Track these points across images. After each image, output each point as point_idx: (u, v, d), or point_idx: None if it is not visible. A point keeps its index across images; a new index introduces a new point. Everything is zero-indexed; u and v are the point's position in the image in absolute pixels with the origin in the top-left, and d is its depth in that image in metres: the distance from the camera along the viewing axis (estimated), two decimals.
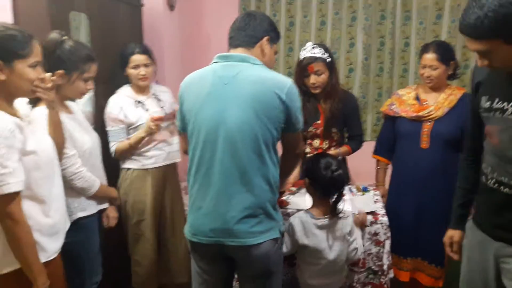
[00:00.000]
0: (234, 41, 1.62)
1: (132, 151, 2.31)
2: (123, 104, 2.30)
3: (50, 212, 1.45)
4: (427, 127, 2.23)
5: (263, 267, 1.61)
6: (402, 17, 3.51)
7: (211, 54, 3.81)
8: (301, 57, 2.29)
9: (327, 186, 1.81)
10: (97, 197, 1.91)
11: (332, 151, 2.33)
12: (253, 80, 1.52)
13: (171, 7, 3.09)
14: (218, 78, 1.56)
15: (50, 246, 1.46)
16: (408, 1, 3.48)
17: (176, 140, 2.45)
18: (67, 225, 1.59)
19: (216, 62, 1.62)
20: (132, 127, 2.31)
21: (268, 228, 1.58)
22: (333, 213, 1.84)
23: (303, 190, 2.30)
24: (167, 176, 2.46)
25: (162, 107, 2.40)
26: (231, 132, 1.51)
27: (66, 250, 1.57)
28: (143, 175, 2.35)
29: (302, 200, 2.18)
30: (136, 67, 2.31)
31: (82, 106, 2.11)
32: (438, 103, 2.22)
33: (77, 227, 1.75)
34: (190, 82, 1.64)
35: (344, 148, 2.37)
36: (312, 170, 1.85)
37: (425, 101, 2.27)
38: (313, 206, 1.89)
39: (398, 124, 2.33)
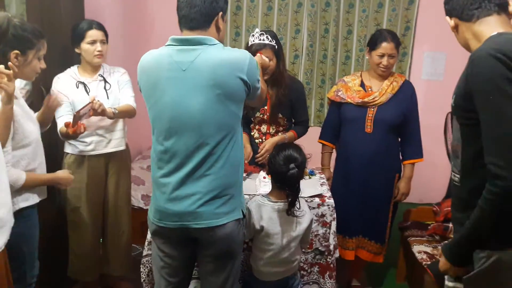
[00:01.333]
0: (188, 22, 1.52)
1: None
2: (66, 83, 2.22)
3: None
4: (371, 113, 2.33)
5: (226, 248, 1.63)
6: (346, 4, 3.61)
7: (155, 33, 3.74)
8: (250, 43, 2.28)
9: (281, 180, 1.84)
10: (37, 188, 1.80)
11: (277, 137, 2.37)
12: (212, 63, 1.49)
13: None
14: (176, 63, 1.51)
15: None
16: None
17: (120, 127, 2.36)
18: (12, 220, 1.49)
19: (170, 45, 1.55)
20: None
21: (232, 208, 1.60)
22: (289, 211, 1.84)
23: (253, 175, 2.32)
24: (109, 164, 2.37)
25: (106, 89, 2.30)
26: (195, 119, 1.49)
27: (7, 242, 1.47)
28: (79, 161, 2.28)
29: (253, 185, 2.19)
30: (93, 42, 2.21)
31: (19, 83, 1.96)
32: (382, 90, 2.32)
33: (19, 217, 1.64)
34: (146, 66, 1.58)
35: (290, 133, 2.42)
36: (272, 159, 1.86)
37: (369, 88, 2.37)
38: (271, 191, 1.91)
39: (344, 110, 2.41)
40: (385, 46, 2.26)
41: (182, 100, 1.50)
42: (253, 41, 2.26)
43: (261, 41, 2.23)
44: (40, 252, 1.84)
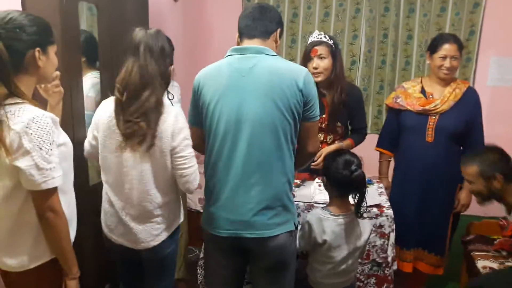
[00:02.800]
0: (250, 31, 1.60)
1: None
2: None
3: (70, 202, 1.46)
4: (432, 121, 2.24)
5: (278, 259, 1.62)
6: (406, 9, 3.52)
7: (214, 46, 3.87)
8: (309, 42, 2.30)
9: (346, 185, 1.78)
10: None
11: (334, 145, 2.32)
12: (270, 71, 1.53)
13: None
14: (235, 70, 1.55)
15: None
16: None
17: None
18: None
19: (231, 55, 1.61)
20: None
21: (285, 220, 1.60)
22: (356, 213, 1.80)
23: (308, 183, 2.32)
24: None
25: (170, 100, 2.40)
26: (251, 124, 1.52)
27: None
28: None
29: (307, 192, 2.19)
30: None
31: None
32: (444, 97, 2.23)
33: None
34: (206, 76, 1.63)
35: (347, 142, 2.35)
36: (330, 168, 1.81)
37: (430, 95, 2.29)
38: (331, 203, 1.87)
39: (403, 117, 2.34)
40: (447, 48, 2.18)
41: (240, 106, 1.53)
42: (311, 39, 2.29)
43: (318, 39, 2.25)
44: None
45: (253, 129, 1.52)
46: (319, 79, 2.23)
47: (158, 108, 1.54)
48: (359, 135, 2.39)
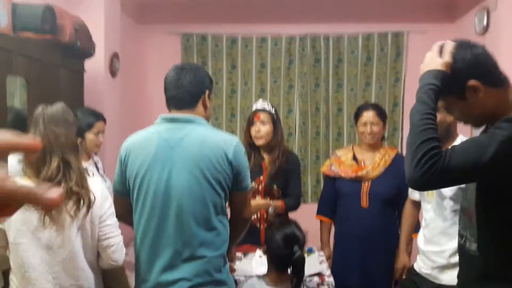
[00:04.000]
0: (176, 102, 1.56)
1: None
2: None
3: None
4: (365, 187, 2.34)
5: None
6: (334, 84, 3.79)
7: (154, 119, 3.86)
8: (253, 110, 2.46)
9: (285, 263, 1.73)
10: None
11: (263, 201, 2.30)
12: (200, 141, 1.51)
13: (113, 73, 3.11)
14: (164, 141, 1.52)
15: None
16: (339, 70, 3.79)
17: None
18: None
19: (160, 123, 1.59)
20: None
21: None
22: None
23: (250, 255, 2.26)
24: None
25: (101, 174, 2.33)
26: (180, 197, 1.47)
27: None
28: None
29: (249, 266, 2.13)
30: (97, 133, 2.26)
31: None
32: (375, 163, 2.35)
33: None
34: (134, 144, 1.58)
35: (278, 203, 2.34)
36: (272, 241, 1.75)
37: (362, 161, 2.40)
38: (268, 273, 1.80)
39: (339, 184, 2.42)
40: (366, 115, 2.35)
41: (168, 179, 1.48)
42: (255, 107, 2.46)
43: (262, 107, 2.42)
44: None
45: (182, 203, 1.47)
46: (260, 142, 2.38)
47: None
48: (292, 200, 2.40)
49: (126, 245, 1.60)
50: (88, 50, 2.62)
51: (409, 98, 3.78)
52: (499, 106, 1.23)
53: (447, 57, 1.23)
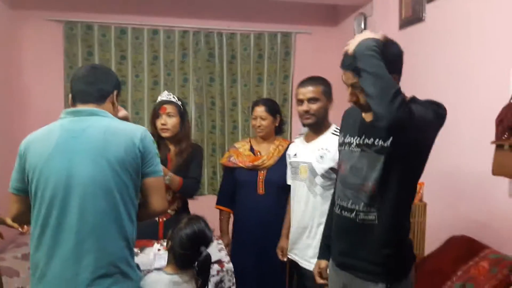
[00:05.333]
0: (84, 96, 1.53)
1: None
2: None
3: None
4: (262, 175, 2.46)
5: None
6: (229, 79, 3.87)
7: (32, 113, 3.52)
8: (157, 101, 2.41)
9: (188, 263, 1.70)
10: None
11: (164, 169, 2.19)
12: (105, 130, 1.46)
13: None
14: (66, 131, 1.46)
15: None
16: (233, 66, 3.88)
17: None
18: None
19: (63, 118, 1.52)
20: None
21: None
22: None
23: (148, 249, 2.20)
24: None
25: None
26: (83, 187, 1.40)
27: None
28: None
29: (148, 261, 2.07)
30: None
31: None
32: (270, 153, 2.49)
33: None
34: (33, 140, 1.49)
35: (175, 177, 2.30)
36: (175, 238, 1.70)
37: (258, 152, 2.52)
38: (168, 265, 1.77)
39: (237, 174, 2.52)
40: (256, 109, 2.49)
41: (69, 167, 1.41)
42: (160, 98, 2.41)
43: (167, 98, 2.38)
44: None
45: (85, 192, 1.40)
46: (166, 134, 2.35)
47: None
48: (190, 182, 2.39)
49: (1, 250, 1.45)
50: None
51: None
52: None
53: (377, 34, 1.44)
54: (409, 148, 1.44)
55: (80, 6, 3.59)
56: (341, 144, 1.69)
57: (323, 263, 1.80)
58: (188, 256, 1.69)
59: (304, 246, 2.17)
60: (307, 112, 2.13)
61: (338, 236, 1.65)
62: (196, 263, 1.69)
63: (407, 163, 1.47)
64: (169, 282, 1.71)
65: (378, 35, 1.42)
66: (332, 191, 1.86)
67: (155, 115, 2.38)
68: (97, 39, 3.62)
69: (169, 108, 2.35)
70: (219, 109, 3.84)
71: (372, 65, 1.34)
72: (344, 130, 1.70)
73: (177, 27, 3.74)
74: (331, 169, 2.05)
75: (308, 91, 2.12)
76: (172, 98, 2.41)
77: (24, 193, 1.50)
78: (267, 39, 3.90)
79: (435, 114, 1.43)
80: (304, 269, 2.16)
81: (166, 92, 2.49)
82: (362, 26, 3.32)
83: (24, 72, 3.53)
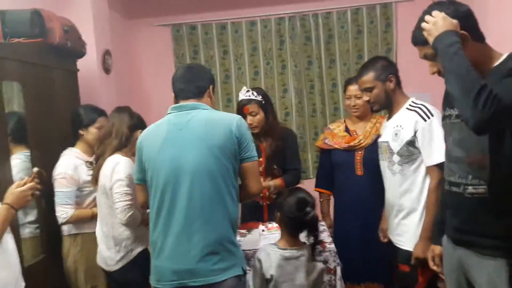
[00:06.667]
0: (185, 94, 1.74)
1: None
2: (76, 164, 2.32)
3: None
4: (359, 156, 2.40)
5: None
6: (327, 61, 3.81)
7: (153, 113, 3.93)
8: (239, 99, 2.46)
9: (298, 225, 1.84)
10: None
11: (264, 183, 2.33)
12: (205, 122, 1.66)
13: (107, 70, 3.17)
14: (173, 125, 1.68)
15: None
16: (331, 46, 3.80)
17: None
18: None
19: (170, 113, 1.74)
20: (84, 189, 2.31)
21: (231, 265, 1.62)
22: (313, 257, 1.86)
23: (254, 230, 2.34)
24: None
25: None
26: (190, 173, 1.60)
27: None
28: (92, 239, 2.28)
29: (254, 241, 2.20)
30: (100, 128, 2.37)
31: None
32: (366, 132, 2.41)
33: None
34: (147, 134, 1.76)
35: (277, 181, 2.41)
36: (284, 206, 1.85)
37: (354, 132, 2.46)
38: (280, 238, 1.91)
39: (334, 156, 2.49)
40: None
41: (178, 156, 1.61)
42: (240, 97, 2.45)
43: (247, 97, 2.39)
44: None
45: (192, 178, 1.60)
46: (255, 131, 2.39)
47: None
48: (291, 176, 2.47)
49: None
50: (79, 50, 2.69)
51: (403, 66, 3.77)
52: (481, 60, 1.39)
53: (451, 19, 1.36)
54: None
55: (183, 8, 3.86)
56: (443, 119, 1.61)
57: (437, 249, 1.72)
58: (298, 219, 1.81)
59: (393, 225, 2.10)
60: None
61: (451, 212, 1.58)
62: (304, 224, 1.82)
63: None
64: (281, 257, 1.84)
65: (452, 21, 1.35)
66: (412, 167, 1.92)
67: (239, 114, 2.37)
68: (201, 38, 3.88)
69: (251, 108, 2.39)
70: (319, 92, 3.81)
71: (454, 64, 1.30)
72: (444, 103, 1.63)
73: (273, 16, 3.80)
74: (408, 144, 1.96)
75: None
76: (252, 95, 2.42)
77: (144, 182, 1.74)
78: (365, 13, 3.74)
79: None
80: (396, 246, 2.08)
81: (244, 88, 2.50)
82: None
83: (143, 78, 3.96)
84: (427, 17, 1.40)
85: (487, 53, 1.43)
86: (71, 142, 2.44)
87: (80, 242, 2.32)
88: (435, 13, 1.38)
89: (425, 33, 1.40)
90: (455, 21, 1.36)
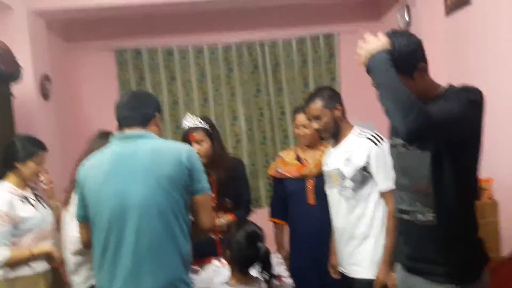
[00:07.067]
0: (130, 121, 1.61)
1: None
2: (11, 200, 2.09)
3: None
4: (310, 184, 2.39)
5: None
6: (275, 89, 3.86)
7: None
8: (183, 126, 2.35)
9: (250, 262, 1.77)
10: None
11: (216, 221, 2.22)
12: (151, 151, 1.54)
13: (46, 96, 2.98)
14: (117, 155, 1.56)
15: None
16: (277, 75, 3.85)
17: None
18: None
19: (113, 142, 1.62)
20: (22, 227, 2.09)
21: None
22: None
23: (208, 267, 2.22)
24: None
25: (41, 203, 2.23)
26: (138, 208, 1.48)
27: None
28: (34, 283, 2.07)
29: (208, 278, 2.09)
30: (40, 163, 2.18)
31: None
32: (316, 160, 2.41)
33: None
34: (89, 165, 1.61)
35: (228, 217, 2.32)
36: (234, 244, 1.77)
37: (305, 160, 2.46)
38: (232, 276, 1.81)
39: (286, 184, 2.47)
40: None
41: (123, 190, 1.49)
42: (187, 125, 2.32)
43: (193, 124, 2.30)
44: None
45: (140, 214, 1.48)
46: (202, 160, 2.24)
47: None
48: (243, 210, 2.39)
49: None
50: (14, 74, 2.51)
51: (345, 97, 3.90)
52: (426, 88, 1.46)
53: (385, 39, 1.41)
54: (450, 145, 1.39)
55: (127, 33, 3.76)
56: (391, 147, 1.64)
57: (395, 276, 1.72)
58: (249, 256, 1.75)
59: (346, 254, 2.09)
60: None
61: (403, 239, 1.60)
62: (257, 260, 1.75)
63: (456, 158, 1.41)
64: None
65: (384, 41, 1.40)
66: (363, 191, 1.98)
67: (184, 142, 2.27)
68: (147, 63, 3.78)
69: (197, 135, 2.27)
70: (268, 120, 3.84)
71: (386, 78, 1.34)
72: (390, 133, 1.66)
73: (220, 43, 3.80)
74: (362, 169, 1.99)
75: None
76: (198, 122, 2.31)
77: (88, 219, 1.59)
78: (309, 43, 3.85)
79: (466, 102, 1.36)
80: (350, 277, 2.07)
81: (189, 116, 2.37)
82: (406, 18, 3.16)
83: (85, 105, 3.76)
84: (360, 42, 1.45)
85: (431, 83, 1.50)
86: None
87: None
88: (366, 36, 1.43)
89: (359, 57, 1.44)
90: (385, 41, 1.40)
